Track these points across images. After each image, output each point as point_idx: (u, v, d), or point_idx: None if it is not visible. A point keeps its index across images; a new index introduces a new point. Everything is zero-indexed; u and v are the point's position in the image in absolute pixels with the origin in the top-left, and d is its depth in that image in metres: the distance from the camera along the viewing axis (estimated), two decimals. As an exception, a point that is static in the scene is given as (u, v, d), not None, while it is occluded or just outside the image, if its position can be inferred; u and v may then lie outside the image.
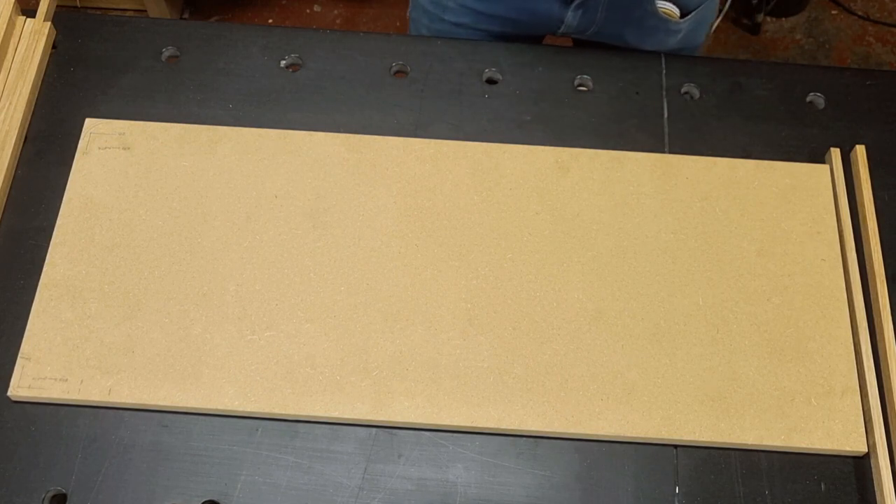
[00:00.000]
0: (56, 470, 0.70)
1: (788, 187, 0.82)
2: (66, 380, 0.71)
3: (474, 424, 0.71)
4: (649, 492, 0.71)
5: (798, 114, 0.88)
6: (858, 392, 0.73)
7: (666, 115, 0.87)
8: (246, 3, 1.93)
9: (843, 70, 0.91)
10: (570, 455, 0.72)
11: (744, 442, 0.71)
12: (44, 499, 0.69)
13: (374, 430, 0.72)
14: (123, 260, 0.76)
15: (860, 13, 1.97)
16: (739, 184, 0.82)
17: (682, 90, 0.89)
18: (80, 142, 0.82)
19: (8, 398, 0.72)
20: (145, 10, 1.81)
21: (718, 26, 1.86)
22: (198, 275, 0.76)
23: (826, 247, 0.79)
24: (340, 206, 0.80)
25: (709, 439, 0.71)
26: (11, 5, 0.86)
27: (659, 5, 0.91)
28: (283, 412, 0.71)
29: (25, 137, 0.84)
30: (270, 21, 1.92)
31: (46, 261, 0.76)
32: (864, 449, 0.71)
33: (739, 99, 0.88)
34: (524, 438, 0.72)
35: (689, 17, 0.93)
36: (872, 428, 0.71)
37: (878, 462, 0.70)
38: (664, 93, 0.88)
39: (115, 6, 1.84)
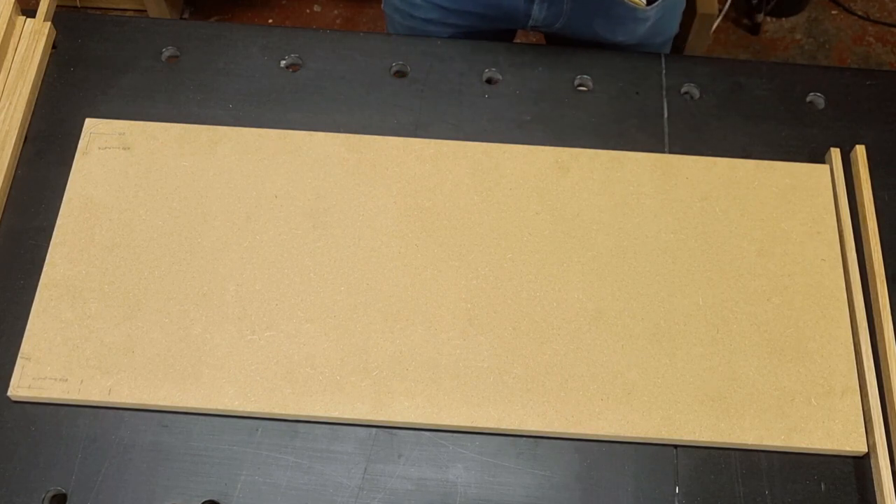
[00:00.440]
0: (56, 470, 0.70)
1: (788, 187, 0.82)
2: (66, 380, 0.71)
3: (474, 424, 0.71)
4: (649, 492, 0.71)
5: (798, 114, 0.88)
6: (858, 392, 0.73)
7: (666, 115, 0.87)
8: (246, 3, 1.93)
9: (843, 70, 0.91)
10: (570, 455, 0.72)
11: (744, 442, 0.71)
12: (44, 499, 0.69)
13: (374, 430, 0.72)
14: (123, 260, 0.76)
15: (860, 13, 1.97)
16: (739, 184, 0.82)
17: (682, 90, 0.89)
18: (80, 142, 0.82)
19: (8, 398, 0.72)
20: (145, 10, 1.81)
21: (718, 26, 1.86)
22: (198, 275, 0.76)
23: (826, 247, 0.79)
24: (340, 206, 0.80)
25: (709, 439, 0.71)
26: (11, 5, 0.86)
27: None
28: (283, 412, 0.71)
29: (25, 137, 0.84)
30: (270, 21, 1.92)
31: (46, 261, 0.76)
32: (864, 449, 0.71)
33: (739, 99, 0.88)
34: (524, 438, 0.72)
35: (657, 4, 0.92)
36: (872, 428, 0.71)
37: (878, 462, 0.70)
38: (664, 93, 0.88)
39: (115, 6, 1.84)
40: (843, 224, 0.80)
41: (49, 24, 0.87)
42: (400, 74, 0.89)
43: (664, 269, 0.78)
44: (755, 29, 1.94)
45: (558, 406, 0.72)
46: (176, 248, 0.77)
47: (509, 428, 0.71)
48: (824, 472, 0.72)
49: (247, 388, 0.72)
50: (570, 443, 0.72)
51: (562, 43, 1.02)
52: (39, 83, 0.86)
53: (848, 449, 0.71)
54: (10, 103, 0.83)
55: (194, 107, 0.85)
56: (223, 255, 0.77)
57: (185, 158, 0.81)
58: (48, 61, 0.87)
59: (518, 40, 1.05)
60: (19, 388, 0.71)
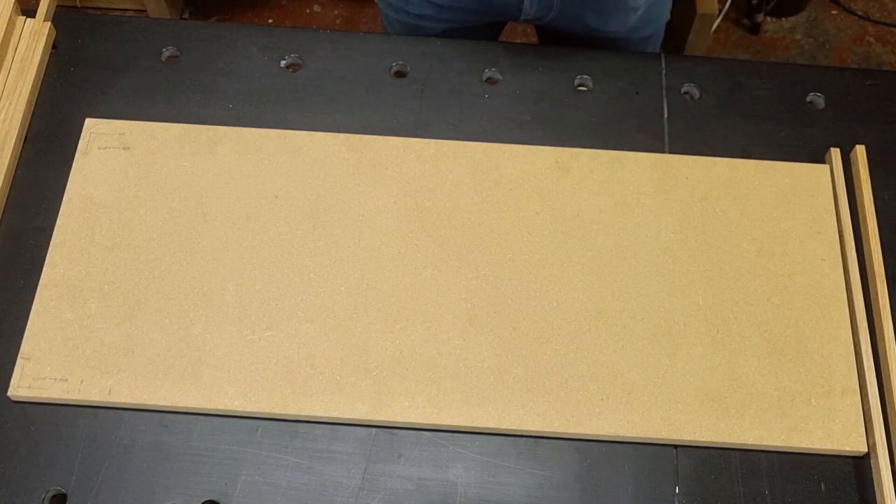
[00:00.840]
0: (56, 470, 0.70)
1: (788, 187, 0.82)
2: (66, 380, 0.71)
3: (474, 424, 0.71)
4: (649, 492, 0.71)
5: (798, 114, 0.88)
6: (858, 392, 0.73)
7: (666, 115, 0.87)
8: (246, 3, 1.93)
9: (843, 70, 0.91)
10: (570, 455, 0.72)
11: (744, 442, 0.71)
12: (44, 499, 0.69)
13: (374, 430, 0.72)
14: (123, 260, 0.76)
15: (860, 13, 1.97)
16: (739, 184, 0.82)
17: (682, 90, 0.89)
18: (80, 142, 0.82)
19: (8, 398, 0.72)
20: (145, 10, 1.81)
21: (718, 26, 1.86)
22: (198, 275, 0.76)
23: (826, 247, 0.79)
24: (340, 206, 0.80)
25: (709, 439, 0.71)
26: (11, 5, 0.86)
27: None
28: (283, 412, 0.71)
29: (25, 137, 0.84)
30: (270, 21, 1.92)
31: (46, 261, 0.76)
32: (864, 449, 0.71)
33: (739, 99, 0.88)
34: (524, 438, 0.72)
35: None
36: (872, 428, 0.71)
37: (878, 462, 0.70)
38: (664, 93, 0.88)
39: (115, 6, 1.84)
40: (843, 224, 0.80)
41: (49, 24, 0.87)
42: (400, 74, 0.89)
43: (664, 269, 0.78)
44: (755, 29, 1.94)
45: (558, 406, 0.72)
46: (176, 248, 0.77)
47: (509, 428, 0.71)
48: (824, 472, 0.72)
49: (247, 388, 0.72)
50: (570, 443, 0.72)
51: (553, 35, 1.03)
52: (39, 83, 0.86)
53: (848, 449, 0.71)
54: (10, 103, 0.83)
55: (194, 107, 0.85)
56: (223, 255, 0.77)
57: (185, 158, 0.81)
58: (48, 61, 0.87)
59: (518, 39, 1.05)
60: (19, 388, 0.71)
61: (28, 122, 0.84)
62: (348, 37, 0.91)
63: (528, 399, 0.72)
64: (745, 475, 0.71)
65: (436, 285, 0.76)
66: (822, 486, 0.71)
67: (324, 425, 0.72)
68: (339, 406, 0.71)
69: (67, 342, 0.73)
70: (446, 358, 0.73)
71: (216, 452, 0.71)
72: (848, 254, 0.79)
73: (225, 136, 0.83)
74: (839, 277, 0.78)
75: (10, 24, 0.86)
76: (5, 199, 0.80)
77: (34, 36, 0.86)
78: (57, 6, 0.90)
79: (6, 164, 0.80)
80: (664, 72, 0.89)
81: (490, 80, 0.89)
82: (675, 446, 0.72)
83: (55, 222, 0.78)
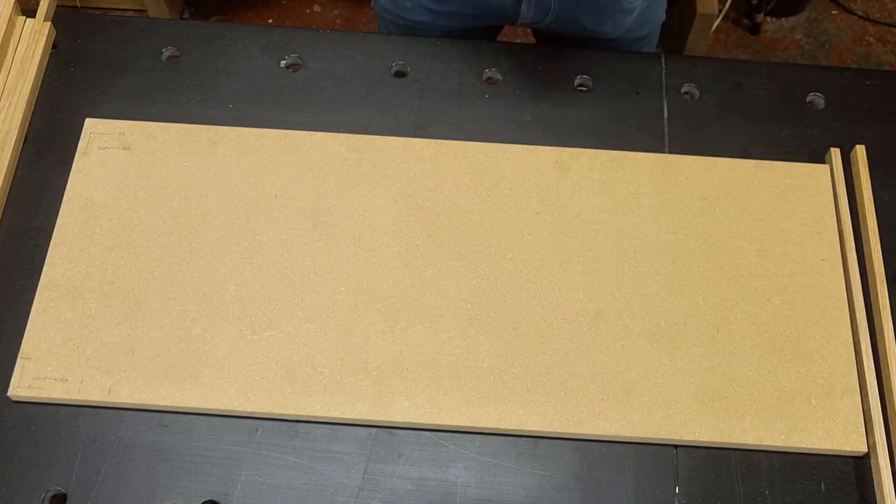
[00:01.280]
0: (56, 470, 0.70)
1: (788, 187, 0.82)
2: (66, 380, 0.71)
3: (474, 424, 0.71)
4: (649, 492, 0.71)
5: (798, 114, 0.88)
6: (858, 392, 0.73)
7: (666, 115, 0.87)
8: (246, 3, 1.93)
9: (843, 70, 0.91)
10: (570, 455, 0.72)
11: (744, 442, 0.71)
12: (44, 499, 0.69)
13: (374, 430, 0.72)
14: (123, 260, 0.76)
15: (860, 13, 1.97)
16: (739, 184, 0.82)
17: (682, 90, 0.89)
18: (80, 142, 0.82)
19: (8, 398, 0.72)
20: (145, 10, 1.81)
21: (718, 26, 1.86)
22: (198, 275, 0.76)
23: (826, 247, 0.79)
24: (340, 206, 0.80)
25: (709, 439, 0.71)
26: (11, 5, 0.86)
27: None
28: (283, 412, 0.71)
29: (25, 137, 0.84)
30: (270, 21, 1.92)
31: (46, 261, 0.76)
32: (864, 449, 0.71)
33: (739, 99, 0.88)
34: (524, 438, 0.72)
35: None
36: (872, 428, 0.71)
37: (878, 462, 0.70)
38: (664, 93, 0.88)
39: (115, 6, 1.84)
40: (843, 224, 0.80)
41: (49, 24, 0.87)
42: (400, 74, 0.89)
43: (664, 269, 0.78)
44: (755, 29, 1.94)
45: (558, 406, 0.72)
46: (176, 248, 0.77)
47: (509, 428, 0.71)
48: (824, 472, 0.72)
49: (247, 388, 0.72)
50: (570, 443, 0.72)
51: (549, 38, 1.03)
52: (39, 83, 0.86)
53: (848, 449, 0.71)
54: (10, 103, 0.83)
55: (194, 107, 0.85)
56: (223, 255, 0.77)
57: (185, 158, 0.81)
58: (48, 61, 0.87)
59: (518, 39, 1.05)
60: (19, 388, 0.71)
61: (28, 122, 0.84)
62: (348, 37, 0.91)
63: (528, 399, 0.72)
64: (745, 475, 0.71)
65: (436, 285, 0.76)
66: (822, 486, 0.71)
67: (324, 425, 0.72)
68: (339, 406, 0.71)
69: (67, 342, 0.73)
70: (446, 358, 0.73)
71: (216, 452, 0.71)
72: (848, 254, 0.79)
73: (225, 136, 0.83)
74: (839, 277, 0.78)
75: (10, 24, 0.86)
76: (5, 199, 0.80)
77: (34, 36, 0.86)
78: (57, 6, 0.90)
79: (6, 164, 0.80)
80: (664, 72, 0.89)
81: (490, 80, 0.89)
82: (675, 446, 0.72)
83: (55, 222, 0.78)
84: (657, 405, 0.72)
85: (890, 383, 0.73)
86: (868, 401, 0.72)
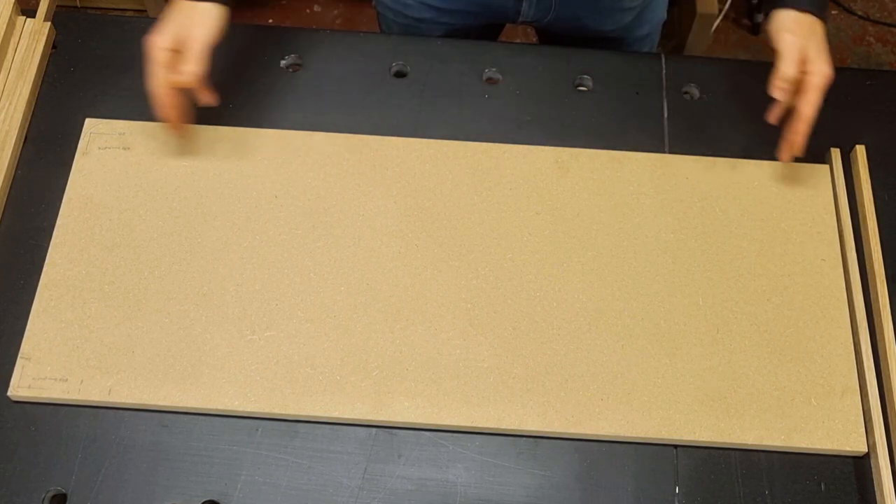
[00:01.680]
0: (56, 470, 0.70)
1: (788, 187, 0.82)
2: (66, 380, 0.71)
3: (474, 424, 0.71)
4: (649, 492, 0.70)
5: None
6: (858, 392, 0.73)
7: (666, 115, 0.87)
8: (246, 3, 1.93)
9: (843, 70, 0.91)
10: (570, 455, 0.72)
11: (744, 442, 0.71)
12: (44, 499, 0.69)
13: (374, 430, 0.72)
14: (123, 260, 0.76)
15: (860, 13, 1.97)
16: (739, 184, 0.82)
17: (682, 90, 0.89)
18: (80, 142, 0.82)
19: (8, 398, 0.72)
20: (145, 10, 1.81)
21: (718, 26, 1.86)
22: (198, 275, 0.76)
23: (826, 247, 0.79)
24: (340, 206, 0.80)
25: (709, 439, 0.71)
26: (11, 5, 0.86)
27: None
28: (283, 412, 0.71)
29: (25, 137, 0.84)
30: (270, 21, 1.92)
31: (46, 261, 0.76)
32: (864, 449, 0.71)
33: (739, 99, 0.88)
34: (524, 438, 0.72)
35: None
36: (872, 428, 0.71)
37: (878, 462, 0.70)
38: (664, 93, 0.88)
39: (115, 6, 1.84)
40: (843, 224, 0.80)
41: (49, 24, 0.87)
42: (400, 74, 0.89)
43: (664, 269, 0.78)
44: (755, 29, 1.94)
45: (558, 406, 0.72)
46: (176, 248, 0.77)
47: (509, 428, 0.71)
48: (824, 472, 0.72)
49: (247, 388, 0.72)
50: (570, 443, 0.72)
51: (550, 36, 1.03)
52: (39, 83, 0.86)
53: (848, 449, 0.71)
54: (10, 103, 0.83)
55: (194, 106, 0.85)
56: (223, 255, 0.77)
57: (185, 158, 0.81)
58: (48, 61, 0.87)
59: (518, 39, 1.05)
60: (19, 388, 0.71)
61: (28, 122, 0.84)
62: (348, 37, 0.91)
63: (528, 399, 0.72)
64: (745, 475, 0.71)
65: (436, 285, 0.76)
66: (822, 486, 0.71)
67: (324, 425, 0.72)
68: (339, 406, 0.71)
69: (67, 342, 0.73)
70: (446, 358, 0.73)
71: (216, 452, 0.71)
72: (848, 254, 0.79)
73: (225, 136, 0.83)
74: (839, 277, 0.78)
75: (10, 24, 0.86)
76: (5, 199, 0.80)
77: (34, 36, 0.86)
78: (57, 6, 0.90)
79: (6, 164, 0.80)
80: (664, 72, 0.89)
81: (490, 80, 0.89)
82: (675, 446, 0.72)
83: (55, 222, 0.78)
84: (657, 405, 0.72)
85: (890, 383, 0.73)
86: (868, 401, 0.72)
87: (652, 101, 0.88)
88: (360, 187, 0.81)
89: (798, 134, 0.77)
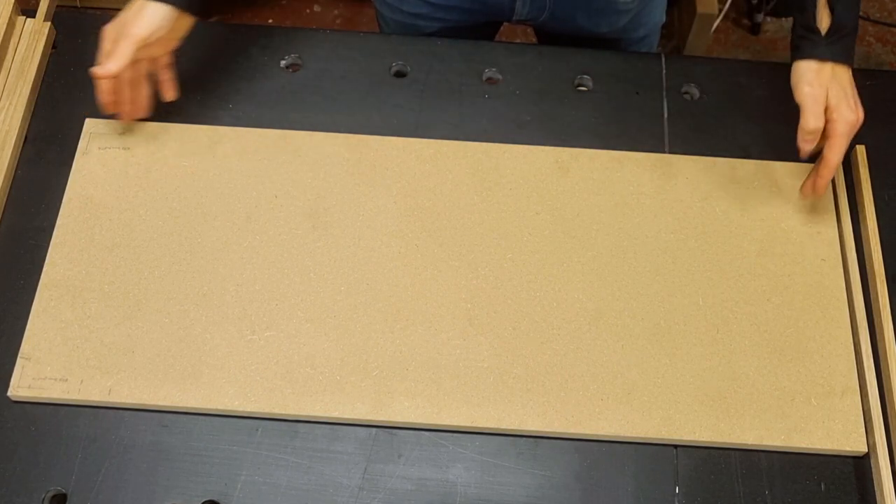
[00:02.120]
0: (56, 470, 0.70)
1: (788, 187, 0.82)
2: (66, 380, 0.71)
3: (474, 424, 0.71)
4: (649, 492, 0.70)
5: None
6: (858, 392, 0.73)
7: (666, 115, 0.87)
8: (246, 3, 1.93)
9: (843, 70, 0.91)
10: (570, 455, 0.72)
11: (744, 442, 0.71)
12: (44, 499, 0.69)
13: (374, 430, 0.72)
14: (123, 260, 0.76)
15: (860, 13, 1.97)
16: (739, 184, 0.82)
17: (682, 90, 0.89)
18: (80, 142, 0.82)
19: (8, 398, 0.72)
20: (145, 11, 1.81)
21: (718, 26, 1.86)
22: (198, 275, 0.76)
23: (826, 247, 0.79)
24: (340, 206, 0.80)
25: (709, 439, 0.71)
26: (11, 5, 0.86)
27: None
28: (283, 412, 0.71)
29: (25, 137, 0.84)
30: (270, 21, 1.92)
31: (46, 261, 0.76)
32: (864, 449, 0.71)
33: (739, 99, 0.88)
34: (524, 438, 0.72)
35: None
36: (872, 428, 0.71)
37: (878, 462, 0.70)
38: (664, 93, 0.88)
39: (115, 6, 1.83)
40: (843, 224, 0.80)
41: (49, 24, 0.87)
42: (400, 74, 0.89)
43: (664, 269, 0.78)
44: (755, 29, 1.94)
45: (558, 406, 0.72)
46: (176, 248, 0.77)
47: (509, 428, 0.71)
48: (824, 472, 0.72)
49: (247, 388, 0.72)
50: (570, 443, 0.72)
51: (550, 36, 1.03)
52: (39, 83, 0.86)
53: (848, 449, 0.71)
54: (10, 103, 0.83)
55: (194, 106, 0.85)
56: (223, 255, 0.77)
57: (185, 158, 0.81)
58: (48, 61, 0.87)
59: (518, 39, 1.05)
60: (19, 388, 0.71)
61: (28, 123, 0.84)
62: (348, 37, 0.91)
63: (528, 399, 0.72)
64: (745, 475, 0.71)
65: (436, 285, 0.76)
66: (822, 486, 0.71)
67: (324, 425, 0.72)
68: (339, 406, 0.71)
69: (67, 342, 0.73)
70: (446, 358, 0.73)
71: (216, 452, 0.71)
72: (848, 254, 0.79)
73: (225, 136, 0.83)
74: (839, 277, 0.78)
75: (10, 24, 0.86)
76: (5, 199, 0.80)
77: (34, 36, 0.86)
78: (57, 6, 0.90)
79: (6, 164, 0.80)
80: (664, 72, 0.89)
81: (490, 80, 0.89)
82: (675, 446, 0.72)
83: (55, 222, 0.78)
84: (657, 405, 0.72)
85: (890, 383, 0.73)
86: (868, 401, 0.72)
87: (652, 101, 0.88)
88: (360, 187, 0.81)
89: (823, 178, 0.77)
